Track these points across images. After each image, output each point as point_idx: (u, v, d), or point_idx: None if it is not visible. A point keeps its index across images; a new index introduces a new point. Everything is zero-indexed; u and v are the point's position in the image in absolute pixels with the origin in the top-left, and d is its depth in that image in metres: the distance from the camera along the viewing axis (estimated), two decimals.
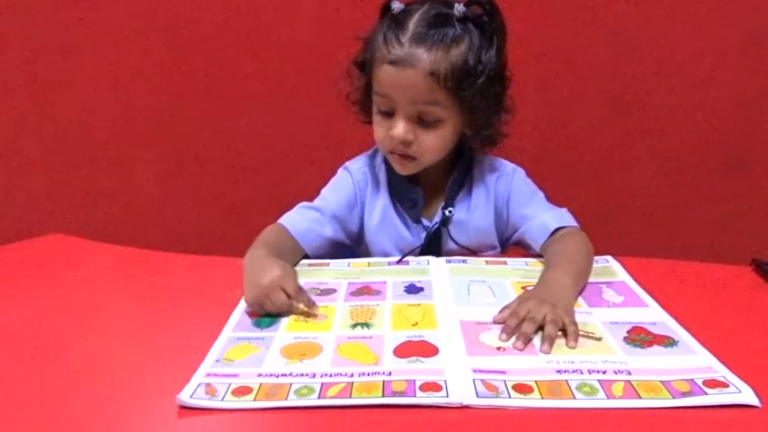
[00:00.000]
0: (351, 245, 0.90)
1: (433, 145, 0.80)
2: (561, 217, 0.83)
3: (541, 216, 0.83)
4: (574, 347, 0.60)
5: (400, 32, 0.75)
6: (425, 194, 0.87)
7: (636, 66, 1.26)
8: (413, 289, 0.75)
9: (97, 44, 1.36)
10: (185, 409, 0.52)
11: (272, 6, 1.30)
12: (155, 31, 1.35)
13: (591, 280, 0.76)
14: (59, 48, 1.37)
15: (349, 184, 0.88)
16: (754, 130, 1.28)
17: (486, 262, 0.84)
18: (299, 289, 0.69)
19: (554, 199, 0.88)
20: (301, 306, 0.68)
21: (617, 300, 0.71)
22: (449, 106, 0.77)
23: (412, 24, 0.76)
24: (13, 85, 1.40)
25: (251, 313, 0.69)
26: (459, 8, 0.76)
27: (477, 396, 0.52)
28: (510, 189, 0.87)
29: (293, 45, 1.31)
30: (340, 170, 0.90)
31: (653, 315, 0.67)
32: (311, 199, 0.88)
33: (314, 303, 0.69)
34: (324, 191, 0.89)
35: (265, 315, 0.68)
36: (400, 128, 0.77)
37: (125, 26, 1.35)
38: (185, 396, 0.52)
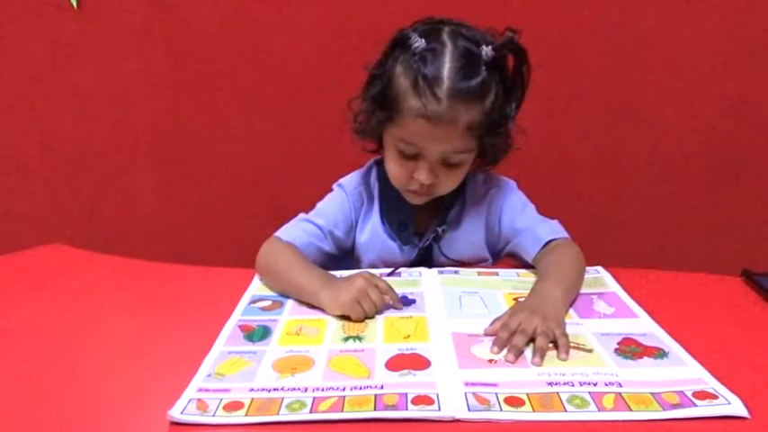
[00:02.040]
0: (341, 257, 0.89)
1: (452, 183, 0.81)
2: (553, 229, 0.84)
3: (533, 228, 0.84)
4: (565, 359, 0.60)
5: (435, 85, 0.71)
6: (420, 212, 0.87)
7: (632, 74, 1.27)
8: (405, 301, 0.75)
9: (97, 52, 1.37)
10: (176, 425, 0.51)
11: (272, 15, 1.31)
12: (154, 40, 1.35)
13: (582, 291, 0.76)
14: (59, 55, 1.38)
15: (346, 204, 0.88)
16: (749, 141, 1.28)
17: (478, 273, 0.84)
18: (388, 285, 0.73)
19: (548, 208, 0.88)
20: (390, 301, 0.72)
21: (608, 311, 0.72)
22: (473, 149, 0.78)
23: (446, 76, 0.72)
24: (13, 93, 1.41)
25: (243, 327, 0.69)
26: (487, 51, 0.73)
27: (469, 410, 0.52)
28: (503, 203, 0.87)
29: (293, 53, 1.32)
30: (335, 188, 0.90)
31: (643, 326, 0.67)
32: (311, 208, 0.89)
33: (399, 299, 0.73)
34: (320, 207, 0.88)
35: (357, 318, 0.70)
36: (427, 174, 0.76)
37: (125, 34, 1.35)
38: (176, 412, 0.52)
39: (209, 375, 0.58)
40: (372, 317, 0.70)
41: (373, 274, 0.74)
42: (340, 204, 0.88)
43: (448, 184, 0.80)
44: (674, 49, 1.25)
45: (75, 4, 1.33)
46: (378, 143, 0.83)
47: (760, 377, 0.58)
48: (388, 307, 0.73)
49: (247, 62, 1.34)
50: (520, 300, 0.72)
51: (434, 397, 0.53)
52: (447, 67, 0.72)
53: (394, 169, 0.80)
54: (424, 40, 0.74)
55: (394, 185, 0.83)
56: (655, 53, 1.25)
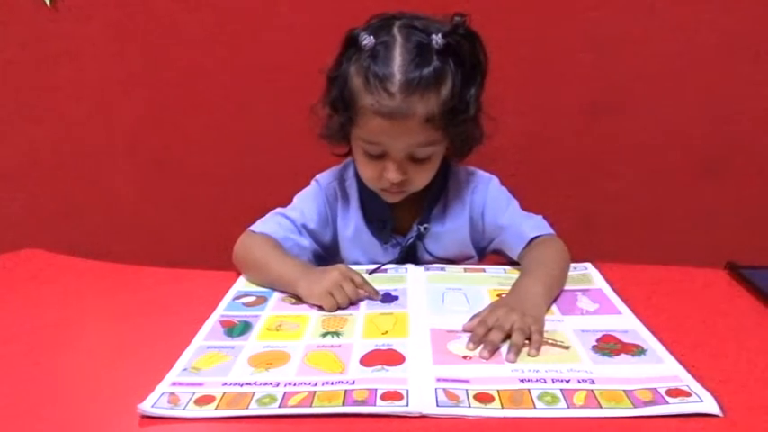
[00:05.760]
0: (326, 256, 0.90)
1: (425, 177, 0.80)
2: (537, 225, 0.83)
3: (518, 225, 0.83)
4: (534, 356, 0.60)
5: (387, 81, 0.70)
6: (400, 210, 0.86)
7: (613, 72, 1.26)
8: (388, 298, 0.75)
9: (76, 55, 1.35)
10: (147, 418, 0.52)
11: (252, 16, 1.30)
12: (134, 42, 1.33)
13: (567, 287, 0.76)
14: (38, 59, 1.35)
15: (320, 198, 0.88)
16: (730, 135, 1.27)
17: (465, 269, 0.84)
18: (364, 279, 0.74)
19: (533, 205, 0.88)
20: (366, 294, 0.73)
21: (591, 307, 0.71)
22: (440, 140, 0.76)
23: (397, 70, 0.71)
24: None
25: (224, 322, 0.69)
26: (437, 39, 0.71)
27: (438, 405, 0.52)
28: (485, 199, 0.87)
29: (274, 52, 1.31)
30: (312, 182, 0.90)
31: (625, 323, 0.67)
32: None
33: (377, 292, 0.74)
34: (296, 201, 0.89)
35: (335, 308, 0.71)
36: (395, 173, 0.76)
37: (104, 37, 1.33)
38: (147, 405, 0.52)
39: (185, 369, 0.59)
40: (346, 308, 0.71)
41: (350, 268, 0.75)
42: (314, 199, 0.88)
43: (420, 179, 0.79)
44: (655, 45, 1.23)
45: (48, 3, 1.30)
46: (347, 146, 0.82)
47: (740, 372, 0.57)
48: (363, 300, 0.73)
49: (226, 62, 1.33)
50: (503, 296, 0.72)
51: (404, 392, 0.53)
52: (397, 61, 0.71)
53: (364, 171, 0.80)
54: (372, 37, 0.73)
55: (368, 186, 0.83)
56: (636, 50, 1.24)
